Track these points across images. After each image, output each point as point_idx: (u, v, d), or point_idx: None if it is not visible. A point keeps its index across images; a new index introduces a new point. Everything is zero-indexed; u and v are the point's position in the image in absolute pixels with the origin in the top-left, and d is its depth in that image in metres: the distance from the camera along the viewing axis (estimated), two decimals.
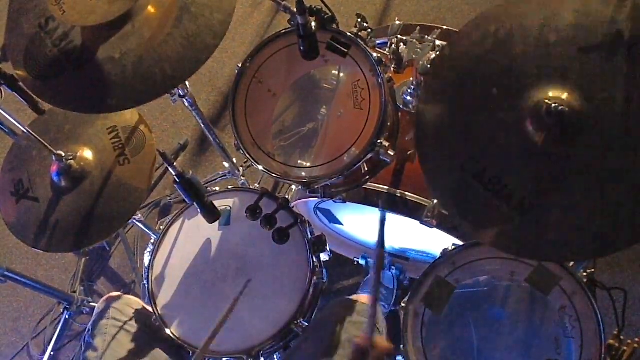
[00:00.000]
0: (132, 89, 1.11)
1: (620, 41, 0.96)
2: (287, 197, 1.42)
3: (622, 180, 0.94)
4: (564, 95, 0.97)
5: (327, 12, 1.23)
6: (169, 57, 1.11)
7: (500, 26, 1.04)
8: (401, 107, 1.43)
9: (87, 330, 1.36)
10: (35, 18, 1.19)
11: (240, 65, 1.31)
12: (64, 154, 1.32)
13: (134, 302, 1.41)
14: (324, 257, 1.36)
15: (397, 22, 1.59)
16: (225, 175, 2.14)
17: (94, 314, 1.39)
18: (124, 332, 1.33)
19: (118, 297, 1.41)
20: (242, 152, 1.27)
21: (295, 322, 1.26)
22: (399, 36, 1.45)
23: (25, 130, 1.28)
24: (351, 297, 1.39)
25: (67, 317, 2.09)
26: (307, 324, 1.29)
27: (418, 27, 1.48)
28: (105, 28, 1.11)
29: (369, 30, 1.30)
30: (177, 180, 1.13)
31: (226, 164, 2.00)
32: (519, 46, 1.02)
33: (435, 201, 1.39)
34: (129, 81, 1.11)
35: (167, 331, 1.29)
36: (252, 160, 1.26)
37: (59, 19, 1.10)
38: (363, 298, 1.40)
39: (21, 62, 1.17)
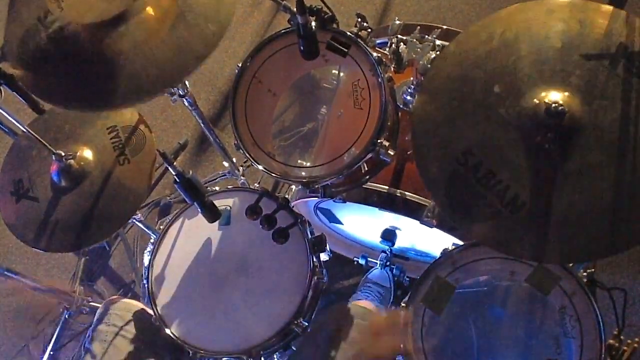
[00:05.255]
0: (122, 89, 1.11)
1: (621, 52, 0.98)
2: (287, 197, 1.42)
3: (621, 181, 0.94)
4: (564, 97, 0.98)
5: (327, 11, 1.23)
6: (157, 62, 1.10)
7: (507, 28, 1.06)
8: (401, 107, 1.43)
9: (87, 335, 1.36)
10: (35, 10, 1.19)
11: (240, 65, 1.31)
12: (64, 154, 1.32)
13: (135, 307, 1.41)
14: (324, 257, 1.36)
15: (397, 22, 1.59)
16: (225, 175, 2.14)
17: (95, 319, 1.39)
18: (120, 338, 1.32)
19: (118, 301, 1.40)
20: (242, 152, 1.27)
21: (295, 322, 1.26)
22: (399, 36, 1.46)
23: (25, 130, 1.28)
24: (348, 303, 1.39)
25: (67, 317, 2.09)
26: (307, 324, 1.29)
27: (418, 27, 1.48)
28: (101, 26, 1.11)
29: (369, 30, 1.30)
30: (177, 180, 1.13)
31: (226, 164, 2.00)
32: (524, 48, 1.03)
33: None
34: (120, 81, 1.11)
35: (167, 331, 1.29)
36: (252, 160, 1.26)
37: (57, 15, 1.10)
38: (360, 302, 1.40)
39: (15, 53, 1.17)
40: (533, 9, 1.06)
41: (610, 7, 1.02)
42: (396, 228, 1.70)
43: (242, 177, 2.04)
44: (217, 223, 1.36)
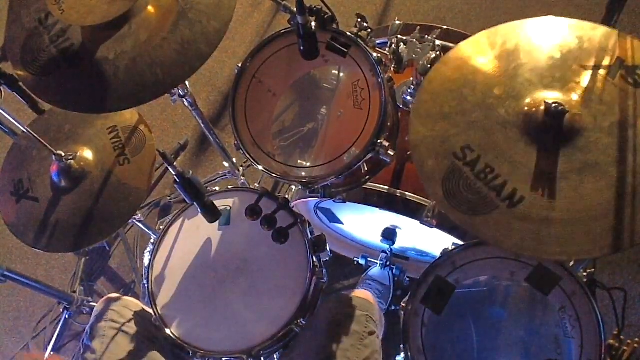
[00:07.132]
0: (123, 91, 1.11)
1: (617, 64, 1.04)
2: (287, 197, 1.42)
3: (621, 181, 0.94)
4: (565, 99, 1.00)
5: (327, 12, 1.23)
6: (162, 62, 1.10)
7: (507, 40, 1.10)
8: (401, 107, 1.43)
9: (85, 332, 1.36)
10: (35, 12, 1.19)
11: (240, 65, 1.31)
12: (64, 154, 1.32)
13: (133, 304, 1.41)
14: (324, 257, 1.36)
15: (397, 22, 1.58)
16: (225, 175, 2.14)
17: (93, 316, 1.38)
18: (122, 334, 1.32)
19: (117, 299, 1.40)
20: (242, 152, 1.27)
21: (295, 322, 1.26)
22: (399, 36, 1.45)
23: (25, 130, 1.28)
24: (347, 293, 1.39)
25: (67, 317, 2.09)
26: (307, 324, 1.29)
27: (418, 27, 1.48)
28: (102, 28, 1.11)
29: (369, 30, 1.30)
30: (177, 180, 1.13)
31: (226, 164, 2.00)
32: (524, 57, 1.07)
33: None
34: (121, 83, 1.11)
35: (167, 331, 1.29)
36: (252, 160, 1.26)
37: (58, 18, 1.10)
38: (359, 293, 1.40)
39: (18, 55, 1.17)
40: (531, 27, 1.10)
41: (604, 27, 1.08)
42: (396, 227, 1.70)
43: (242, 177, 2.04)
44: (217, 223, 1.36)
